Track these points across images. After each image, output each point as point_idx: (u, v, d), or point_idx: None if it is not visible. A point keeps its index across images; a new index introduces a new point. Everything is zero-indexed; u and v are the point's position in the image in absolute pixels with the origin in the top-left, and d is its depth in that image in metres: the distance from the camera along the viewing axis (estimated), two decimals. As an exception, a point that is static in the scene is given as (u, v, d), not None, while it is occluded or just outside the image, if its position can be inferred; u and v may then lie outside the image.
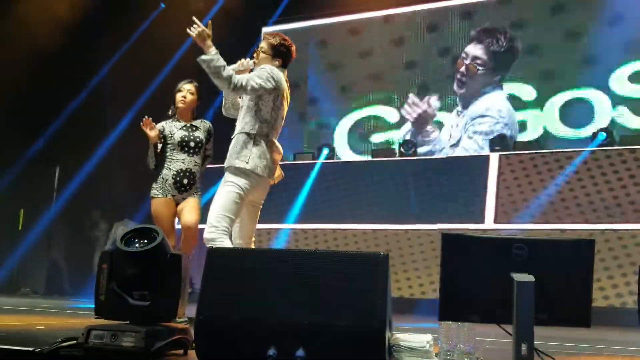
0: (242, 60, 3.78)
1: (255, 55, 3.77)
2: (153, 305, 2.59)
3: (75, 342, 2.54)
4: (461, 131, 10.74)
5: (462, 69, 10.87)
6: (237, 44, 12.24)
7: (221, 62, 3.44)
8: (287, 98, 3.75)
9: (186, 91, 4.58)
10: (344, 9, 12.25)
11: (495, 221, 8.96)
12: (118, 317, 2.63)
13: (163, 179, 4.50)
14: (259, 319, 2.29)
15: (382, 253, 2.33)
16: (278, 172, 3.75)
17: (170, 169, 4.50)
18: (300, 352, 2.17)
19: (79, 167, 10.49)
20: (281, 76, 3.65)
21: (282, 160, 3.87)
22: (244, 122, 3.60)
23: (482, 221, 8.94)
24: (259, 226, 3.90)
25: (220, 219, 3.37)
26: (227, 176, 3.53)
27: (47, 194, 11.20)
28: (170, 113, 4.64)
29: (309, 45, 12.56)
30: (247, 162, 3.49)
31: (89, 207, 11.13)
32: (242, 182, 3.48)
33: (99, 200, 10.71)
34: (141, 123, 4.43)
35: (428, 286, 8.84)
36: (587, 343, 4.39)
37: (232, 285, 2.40)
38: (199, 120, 4.67)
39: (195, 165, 4.56)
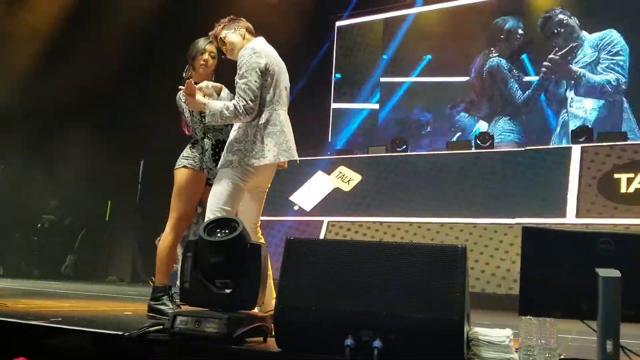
0: (206, 86, 3.59)
1: (223, 49, 3.60)
2: (234, 293, 2.67)
3: (161, 327, 2.66)
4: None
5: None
6: (311, 39, 12.41)
7: (217, 106, 3.34)
8: (276, 65, 3.46)
9: (208, 54, 3.95)
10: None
11: (578, 215, 8.64)
12: (201, 304, 2.73)
13: (202, 148, 3.93)
14: (337, 309, 2.32)
15: (460, 246, 2.31)
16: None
17: (209, 137, 3.97)
18: (377, 343, 2.19)
19: (162, 162, 10.89)
20: (257, 53, 3.38)
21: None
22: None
23: (563, 215, 8.65)
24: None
25: (217, 213, 3.24)
26: (229, 164, 3.36)
27: (132, 187, 11.71)
28: (185, 76, 3.99)
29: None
30: (265, 157, 3.32)
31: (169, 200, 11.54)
32: (246, 172, 3.33)
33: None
34: (181, 92, 3.77)
35: (502, 281, 8.64)
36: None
37: (310, 275, 2.44)
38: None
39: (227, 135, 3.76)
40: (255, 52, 3.39)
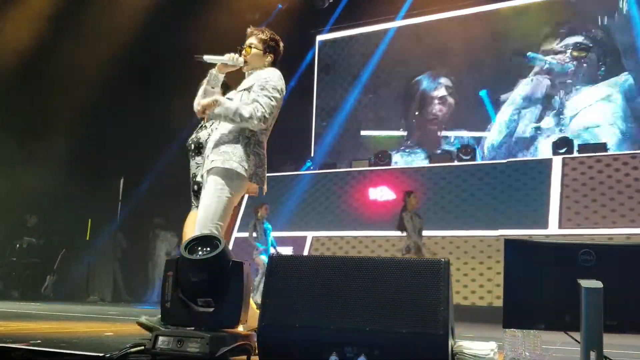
0: (232, 54, 3.48)
1: (245, 52, 3.53)
2: (217, 312, 2.64)
3: (143, 347, 2.61)
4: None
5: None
6: (293, 53, 12.47)
7: (233, 103, 3.33)
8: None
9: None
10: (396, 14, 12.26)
11: (560, 226, 8.73)
12: (184, 323, 2.69)
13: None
14: (321, 325, 2.31)
15: (443, 260, 2.31)
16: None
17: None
18: (362, 359, 2.17)
19: (142, 179, 10.82)
20: (283, 83, 3.48)
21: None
22: None
23: (545, 226, 8.73)
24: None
25: (213, 229, 3.19)
26: (217, 177, 3.30)
27: (112, 205, 11.59)
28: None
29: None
30: (245, 169, 3.31)
31: (152, 217, 11.45)
32: (234, 186, 3.29)
33: (161, 210, 11.00)
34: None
35: (485, 293, 8.67)
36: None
37: (294, 292, 2.42)
38: None
39: None
40: (283, 82, 3.49)
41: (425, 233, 9.54)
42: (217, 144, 3.38)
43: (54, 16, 10.03)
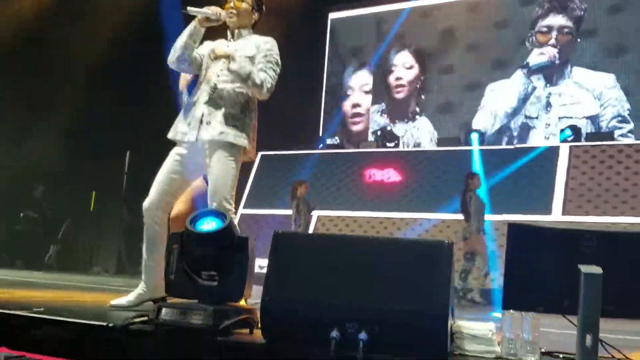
0: (215, 8, 3.39)
1: (235, 4, 3.46)
2: (221, 286, 2.68)
3: (146, 318, 2.66)
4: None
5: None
6: (304, 31, 12.39)
7: (248, 65, 3.31)
8: None
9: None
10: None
11: (564, 213, 8.74)
12: (187, 296, 2.73)
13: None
14: (323, 302, 2.34)
15: (447, 241, 2.33)
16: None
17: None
18: (362, 336, 2.20)
19: (148, 153, 10.83)
20: None
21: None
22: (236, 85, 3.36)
23: (549, 212, 8.75)
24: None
25: (232, 200, 3.28)
26: (228, 151, 3.31)
27: (118, 178, 11.64)
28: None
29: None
30: (252, 144, 3.36)
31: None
32: (240, 159, 3.37)
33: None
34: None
35: (483, 277, 8.72)
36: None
37: (297, 268, 2.45)
38: None
39: None
40: (279, 60, 3.48)
41: (430, 216, 9.58)
42: (226, 116, 3.33)
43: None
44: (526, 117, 10.90)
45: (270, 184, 11.35)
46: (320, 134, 12.77)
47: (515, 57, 11.32)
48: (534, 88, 10.98)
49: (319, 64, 13.24)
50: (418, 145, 11.70)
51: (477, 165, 9.75)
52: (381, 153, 11.00)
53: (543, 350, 2.51)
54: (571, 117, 10.49)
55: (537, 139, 10.69)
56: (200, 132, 3.34)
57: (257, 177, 11.70)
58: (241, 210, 11.33)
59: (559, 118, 10.63)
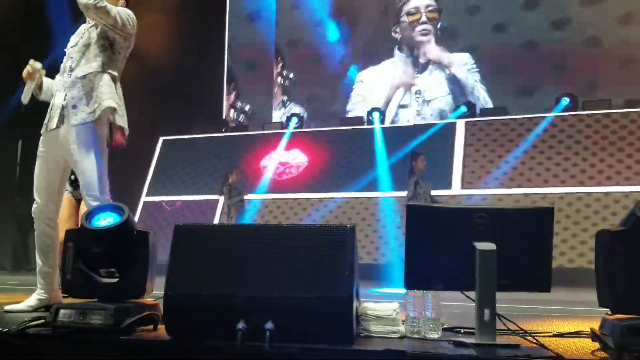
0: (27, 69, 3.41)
1: None
2: (121, 282, 2.59)
3: (43, 321, 2.53)
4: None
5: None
6: (203, 10, 12.10)
7: None
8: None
9: None
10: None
11: (462, 187, 9.11)
12: (86, 295, 2.62)
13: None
14: (228, 293, 2.31)
15: (349, 226, 2.36)
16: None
17: None
18: (269, 325, 2.20)
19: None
20: (134, 18, 3.43)
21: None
22: (99, 61, 3.28)
23: (449, 187, 9.09)
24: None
25: (107, 189, 3.22)
26: (92, 134, 3.22)
27: (10, 169, 10.99)
28: None
29: None
30: (122, 115, 3.30)
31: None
32: (106, 134, 3.29)
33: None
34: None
35: (390, 252, 8.99)
36: (547, 305, 4.52)
37: (200, 261, 2.40)
38: None
39: None
40: (133, 22, 3.41)
41: (331, 195, 9.72)
42: (87, 101, 3.25)
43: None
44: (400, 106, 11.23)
45: (174, 169, 11.10)
46: (224, 116, 12.58)
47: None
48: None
49: (219, 45, 12.99)
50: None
51: (379, 144, 9.96)
52: (286, 134, 11.00)
53: (445, 326, 2.60)
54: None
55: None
56: (63, 120, 3.29)
57: (159, 162, 11.39)
58: (144, 198, 11.02)
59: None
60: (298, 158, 10.54)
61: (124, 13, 3.34)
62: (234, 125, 12.20)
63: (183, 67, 11.35)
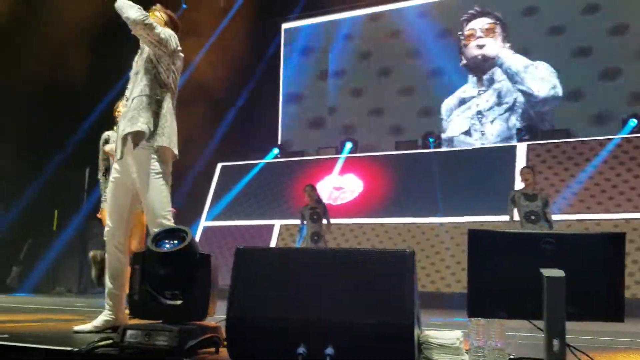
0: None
1: (150, 14, 3.56)
2: (185, 305, 2.63)
3: (111, 341, 2.60)
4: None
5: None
6: (258, 41, 12.39)
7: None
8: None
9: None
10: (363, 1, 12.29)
11: (522, 226, 8.86)
12: (151, 316, 2.68)
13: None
14: (289, 317, 2.31)
15: (408, 250, 2.33)
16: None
17: None
18: (329, 350, 2.19)
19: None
20: (177, 40, 3.54)
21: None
22: (141, 85, 3.42)
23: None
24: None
25: (169, 217, 3.31)
26: (154, 160, 3.32)
27: (78, 195, 11.41)
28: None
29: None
30: (169, 141, 3.38)
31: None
32: (168, 164, 3.39)
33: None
34: None
35: (450, 280, 8.80)
36: (621, 337, 4.32)
37: (261, 284, 2.42)
38: None
39: None
40: (176, 39, 3.54)
41: (393, 220, 9.62)
42: (143, 128, 3.35)
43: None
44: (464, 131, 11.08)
45: (231, 194, 11.29)
46: (279, 142, 12.74)
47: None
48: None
49: (276, 73, 13.25)
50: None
51: (435, 168, 9.84)
52: (341, 159, 11.02)
53: (512, 356, 2.53)
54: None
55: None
56: (124, 147, 3.40)
57: (217, 188, 11.60)
58: (203, 223, 11.22)
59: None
60: (353, 183, 10.54)
61: (167, 32, 3.48)
62: (289, 150, 12.35)
63: (241, 94, 11.64)
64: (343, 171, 10.72)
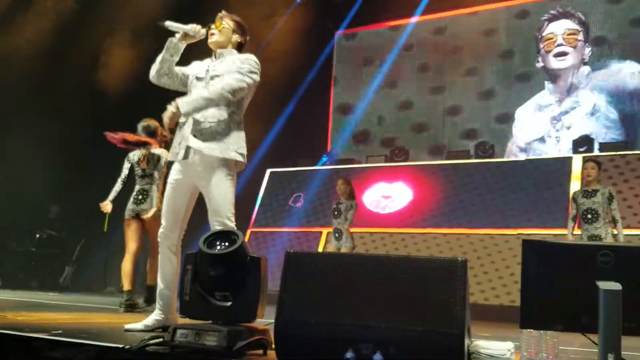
0: (195, 25, 3.52)
1: (215, 25, 3.58)
2: (234, 306, 2.67)
3: (161, 339, 2.65)
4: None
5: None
6: (312, 49, 12.46)
7: (204, 94, 3.35)
8: None
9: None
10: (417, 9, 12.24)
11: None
12: (201, 316, 2.72)
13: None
14: (337, 322, 2.32)
15: (460, 259, 2.31)
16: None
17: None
18: (377, 357, 2.18)
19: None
20: (259, 67, 3.54)
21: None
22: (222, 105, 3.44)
23: (564, 226, 8.63)
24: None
25: (233, 218, 3.37)
26: (224, 166, 3.41)
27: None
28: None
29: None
30: (243, 156, 3.46)
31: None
32: (233, 172, 3.46)
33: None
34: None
35: (502, 292, 8.62)
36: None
37: (310, 288, 2.43)
38: None
39: None
40: (259, 67, 3.53)
41: (441, 231, 9.49)
42: (213, 133, 3.40)
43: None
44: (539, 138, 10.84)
45: (280, 200, 11.36)
46: (328, 150, 12.77)
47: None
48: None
49: (327, 79, 13.29)
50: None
51: (488, 179, 9.69)
52: (390, 168, 10.97)
53: (563, 369, 2.47)
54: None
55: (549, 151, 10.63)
56: (189, 152, 3.44)
57: (266, 194, 11.70)
58: (251, 228, 11.33)
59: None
60: (402, 191, 10.46)
61: (252, 77, 3.46)
62: (338, 158, 12.36)
63: (291, 100, 11.72)
64: (392, 179, 10.65)
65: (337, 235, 8.03)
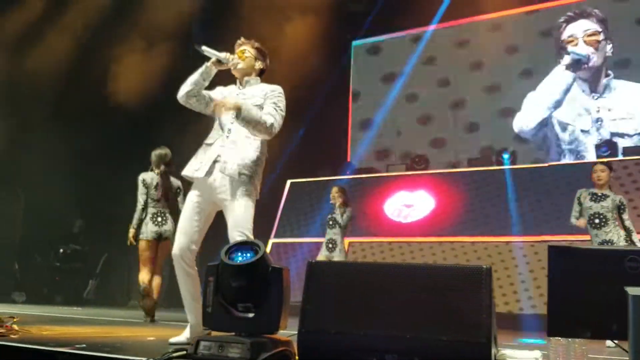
0: (228, 54, 3.60)
1: (238, 55, 3.66)
2: (257, 317, 2.65)
3: (185, 352, 2.65)
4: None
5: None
6: (328, 58, 12.48)
7: (263, 117, 3.46)
8: None
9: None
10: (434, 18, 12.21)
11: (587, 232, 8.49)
12: (224, 328, 2.71)
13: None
14: (361, 332, 2.30)
15: (484, 267, 2.27)
16: None
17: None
18: (403, 366, 2.15)
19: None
20: None
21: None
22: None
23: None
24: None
25: (251, 234, 3.42)
26: (246, 184, 3.49)
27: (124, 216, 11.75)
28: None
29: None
30: (259, 182, 3.57)
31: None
32: (254, 195, 3.54)
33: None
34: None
35: (527, 300, 8.50)
36: None
37: (333, 298, 2.42)
38: None
39: None
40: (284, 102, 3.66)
41: (466, 238, 9.40)
42: (242, 160, 3.49)
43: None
44: (581, 130, 10.67)
45: (300, 211, 11.35)
46: (348, 160, 12.73)
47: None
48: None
49: (345, 89, 13.30)
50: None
51: (510, 186, 9.59)
52: (411, 176, 10.91)
53: (593, 377, 2.42)
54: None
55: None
56: (213, 170, 3.52)
57: (286, 205, 11.70)
58: (272, 240, 11.32)
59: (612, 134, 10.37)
60: (424, 200, 10.39)
61: (280, 114, 3.59)
62: (358, 168, 12.33)
63: (310, 111, 11.73)
64: (413, 188, 10.59)
65: (330, 245, 7.93)
